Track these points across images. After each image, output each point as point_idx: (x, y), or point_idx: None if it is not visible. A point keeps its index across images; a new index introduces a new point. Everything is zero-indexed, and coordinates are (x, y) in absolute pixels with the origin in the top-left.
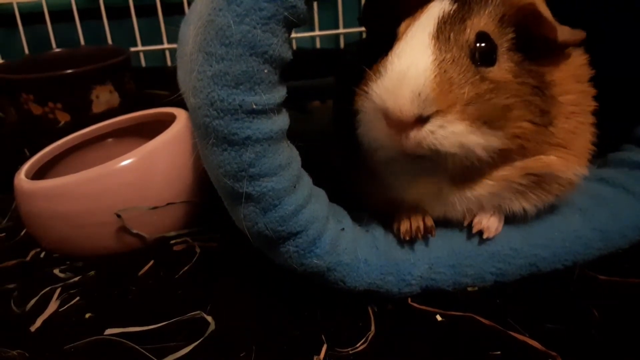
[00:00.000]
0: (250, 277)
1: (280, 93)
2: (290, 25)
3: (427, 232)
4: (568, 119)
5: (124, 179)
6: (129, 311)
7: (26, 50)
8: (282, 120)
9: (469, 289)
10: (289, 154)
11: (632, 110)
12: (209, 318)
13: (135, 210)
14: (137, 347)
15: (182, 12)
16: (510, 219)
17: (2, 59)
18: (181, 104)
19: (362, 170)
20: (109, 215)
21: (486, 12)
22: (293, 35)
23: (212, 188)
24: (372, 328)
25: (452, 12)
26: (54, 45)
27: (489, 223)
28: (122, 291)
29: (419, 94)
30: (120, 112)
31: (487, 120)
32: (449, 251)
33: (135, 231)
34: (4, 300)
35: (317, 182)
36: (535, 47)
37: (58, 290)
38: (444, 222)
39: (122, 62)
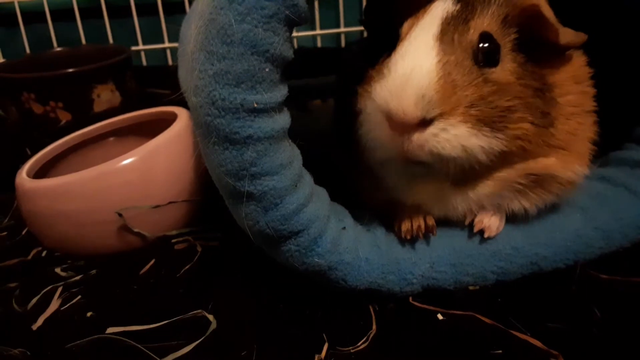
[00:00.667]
0: (252, 276)
1: (281, 92)
2: (291, 24)
3: (428, 231)
4: (568, 120)
5: (125, 178)
6: (131, 310)
7: (27, 49)
8: (283, 119)
9: (471, 288)
10: (290, 153)
11: (633, 109)
12: (211, 317)
13: (136, 209)
14: (138, 345)
15: (183, 11)
16: (512, 218)
17: (4, 57)
18: (182, 103)
19: (363, 170)
20: (110, 214)
21: (489, 12)
22: (294, 34)
23: (214, 187)
24: (374, 327)
25: (455, 12)
26: (55, 44)
27: (490, 222)
28: (124, 290)
29: (423, 96)
30: (122, 111)
31: (488, 123)
32: (450, 250)
33: (136, 230)
34: (5, 299)
35: (318, 181)
36: (537, 49)
37: (59, 289)
38: (444, 221)
39: (123, 61)
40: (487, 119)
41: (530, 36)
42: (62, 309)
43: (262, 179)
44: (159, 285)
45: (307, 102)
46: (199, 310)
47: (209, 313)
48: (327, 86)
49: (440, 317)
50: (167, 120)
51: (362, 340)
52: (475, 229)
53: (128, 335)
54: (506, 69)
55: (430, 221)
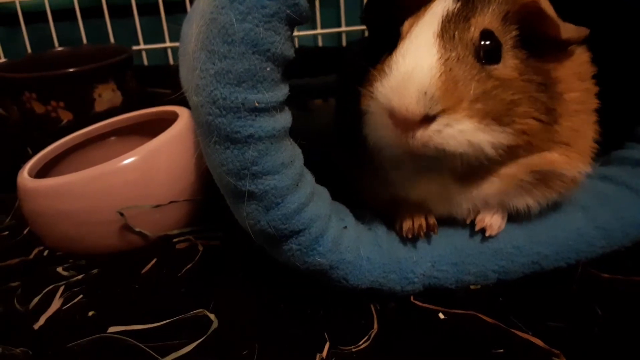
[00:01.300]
0: (253, 275)
1: (282, 91)
2: (292, 23)
3: (430, 230)
4: (572, 117)
5: (126, 177)
6: (132, 309)
7: (29, 49)
8: (284, 119)
9: (472, 287)
10: (291, 152)
11: (634, 108)
12: (212, 316)
13: (138, 208)
14: (140, 345)
15: (184, 11)
16: (513, 217)
17: (5, 57)
18: (183, 102)
19: (364, 169)
20: (111, 214)
21: (490, 9)
22: (295, 33)
23: (215, 186)
24: (375, 326)
25: (456, 10)
26: (56, 43)
27: (492, 221)
28: (125, 289)
29: (425, 93)
30: (123, 111)
31: (494, 117)
32: (451, 249)
33: (138, 229)
34: (7, 298)
35: (319, 180)
36: (539, 44)
37: (61, 289)
38: (446, 220)
39: (125, 60)
40: (493, 113)
41: (531, 32)
42: (63, 308)
43: (263, 178)
44: (160, 284)
45: (308, 101)
46: (200, 310)
47: (210, 312)
48: (328, 85)
49: (441, 316)
50: (168, 120)
51: (364, 340)
52: (477, 228)
53: (129, 334)
54: (508, 66)
55: (432, 220)
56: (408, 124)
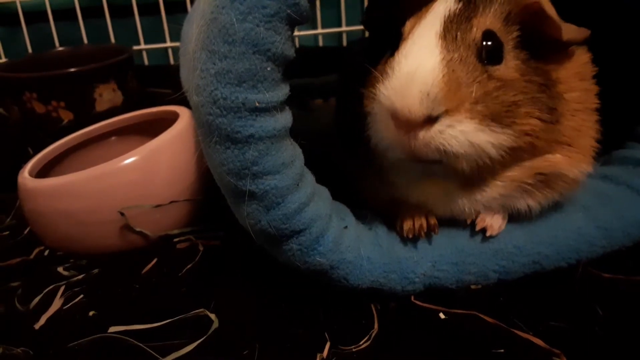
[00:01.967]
0: (254, 275)
1: (283, 91)
2: (293, 23)
3: (430, 230)
4: (573, 116)
5: (127, 177)
6: (133, 309)
7: (29, 49)
8: (285, 118)
9: (473, 287)
10: (292, 152)
11: (634, 108)
12: (213, 316)
13: (138, 208)
14: (140, 344)
15: (184, 10)
16: (514, 217)
17: (5, 57)
18: (184, 102)
19: (365, 169)
20: (112, 214)
21: (492, 10)
22: (296, 33)
23: (215, 186)
24: (376, 326)
25: (457, 11)
26: (57, 43)
27: (492, 221)
28: (126, 289)
29: (428, 94)
30: (123, 111)
31: (495, 118)
32: (452, 249)
33: (138, 229)
34: (8, 298)
35: (319, 180)
36: (540, 45)
37: (62, 288)
38: (447, 220)
39: (125, 60)
40: (494, 115)
41: (532, 33)
42: (64, 308)
43: (264, 178)
44: (160, 284)
45: (308, 101)
46: (201, 310)
47: (211, 312)
48: (329, 85)
49: (442, 316)
50: (169, 120)
51: (364, 340)
52: (477, 228)
53: (130, 334)
54: (510, 66)
55: (432, 220)
56: (410, 125)
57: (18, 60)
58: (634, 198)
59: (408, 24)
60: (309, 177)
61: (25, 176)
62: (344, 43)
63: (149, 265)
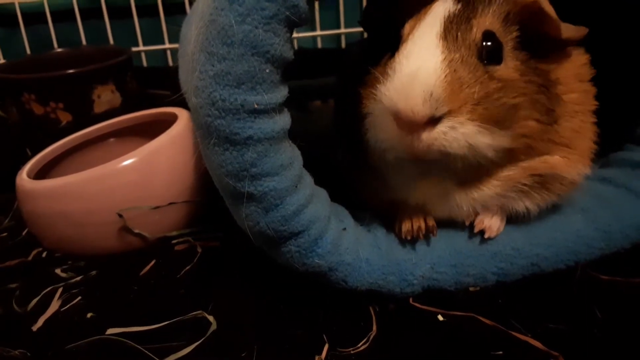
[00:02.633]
0: (252, 276)
1: (281, 93)
2: (291, 25)
3: (429, 232)
4: (572, 117)
5: (125, 178)
6: (131, 311)
7: (28, 50)
8: (283, 120)
9: (471, 288)
10: (290, 154)
11: (632, 110)
12: (211, 318)
13: (137, 209)
14: (138, 346)
15: (183, 12)
16: (513, 219)
17: (4, 58)
18: (183, 103)
19: (363, 170)
20: (110, 215)
21: (491, 11)
22: (294, 35)
23: (214, 188)
24: (374, 328)
25: (457, 11)
26: (55, 45)
27: (491, 223)
28: (124, 291)
29: (431, 94)
30: (122, 112)
31: (495, 120)
32: (450, 251)
33: (137, 231)
34: (6, 299)
35: (318, 182)
36: (539, 45)
37: (60, 290)
38: (445, 222)
39: (124, 62)
40: (495, 117)
41: (532, 33)
42: (62, 309)
43: (263, 179)
44: (159, 286)
45: (307, 103)
46: (199, 311)
47: (209, 314)
48: (327, 87)
49: (440, 318)
50: (168, 121)
51: (363, 341)
52: (476, 230)
53: (128, 336)
54: (510, 67)
55: (431, 222)
56: (413, 125)
57: (17, 61)
58: (633, 200)
59: (407, 26)
60: (308, 179)
61: (23, 177)
62: (343, 45)
63: (147, 267)
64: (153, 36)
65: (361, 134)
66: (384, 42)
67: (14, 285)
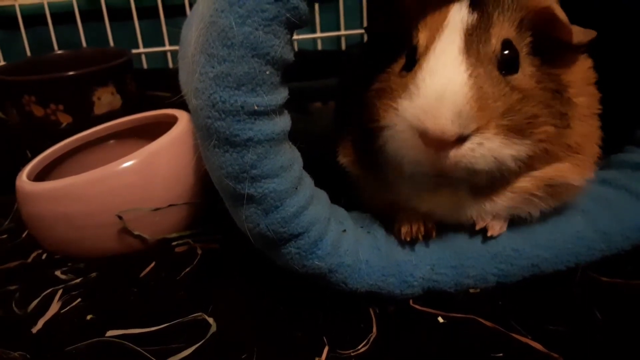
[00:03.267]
0: (252, 278)
1: (282, 94)
2: (292, 26)
3: (428, 233)
4: (582, 121)
5: (125, 180)
6: (131, 313)
7: (28, 52)
8: (283, 122)
9: (471, 290)
10: (290, 156)
11: (633, 112)
12: (211, 320)
13: (136, 211)
14: (138, 348)
15: (183, 14)
16: (514, 221)
17: (4, 60)
18: (183, 105)
19: (364, 172)
20: (110, 217)
21: (506, 18)
22: (295, 36)
23: (214, 189)
24: (374, 330)
25: (474, 22)
26: (55, 47)
27: (493, 221)
28: (124, 293)
29: (460, 113)
30: (122, 114)
31: (518, 130)
32: (450, 252)
33: (136, 233)
34: (5, 301)
35: (318, 184)
36: (549, 50)
37: (59, 292)
38: (445, 223)
39: (124, 63)
40: (517, 127)
41: (544, 38)
42: (61, 311)
43: (263, 181)
44: (159, 288)
45: (307, 104)
46: (199, 313)
47: (209, 316)
48: (328, 89)
49: (440, 320)
50: (168, 123)
51: (363, 343)
52: (478, 227)
53: (128, 338)
54: (526, 74)
55: (430, 224)
56: (441, 144)
57: (17, 63)
58: (633, 202)
59: (421, 37)
60: (308, 181)
61: (23, 179)
62: (343, 47)
63: (147, 269)
64: (153, 38)
65: (369, 142)
66: (387, 45)
67: (13, 287)
